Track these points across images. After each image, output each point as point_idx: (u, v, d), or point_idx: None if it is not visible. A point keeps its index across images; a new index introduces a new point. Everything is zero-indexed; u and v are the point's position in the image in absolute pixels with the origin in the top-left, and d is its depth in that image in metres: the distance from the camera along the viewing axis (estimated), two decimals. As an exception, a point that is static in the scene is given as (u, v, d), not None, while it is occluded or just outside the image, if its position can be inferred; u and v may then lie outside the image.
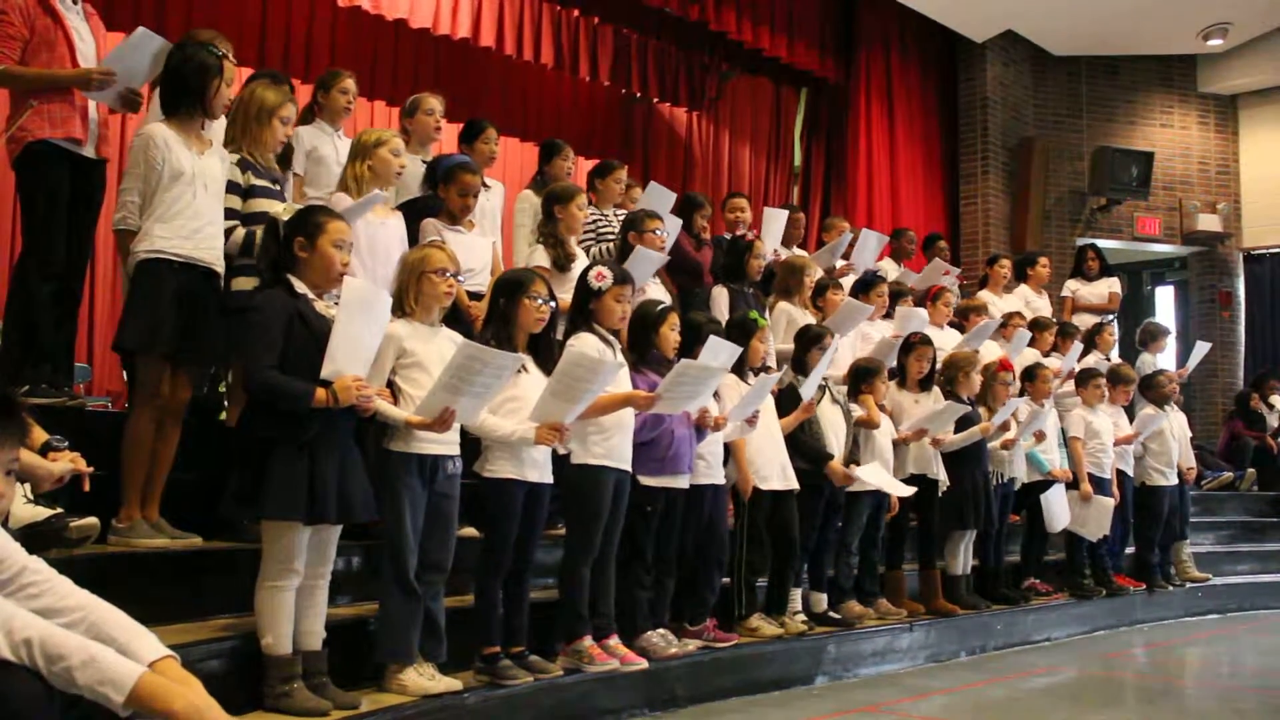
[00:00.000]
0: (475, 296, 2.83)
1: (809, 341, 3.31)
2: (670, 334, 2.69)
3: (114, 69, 2.47)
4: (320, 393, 1.92)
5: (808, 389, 3.14)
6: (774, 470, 3.06)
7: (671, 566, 2.77)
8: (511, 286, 2.37)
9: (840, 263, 4.59)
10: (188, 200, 2.27)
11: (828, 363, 3.20)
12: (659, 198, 3.78)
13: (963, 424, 3.69)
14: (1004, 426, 3.81)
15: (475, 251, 2.91)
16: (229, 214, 2.40)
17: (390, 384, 2.14)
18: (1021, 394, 4.09)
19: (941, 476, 3.66)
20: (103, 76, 2.46)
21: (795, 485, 3.10)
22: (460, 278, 2.34)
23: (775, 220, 4.35)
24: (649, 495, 2.63)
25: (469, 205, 2.88)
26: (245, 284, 2.41)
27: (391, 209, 2.74)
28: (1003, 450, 3.89)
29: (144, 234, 2.26)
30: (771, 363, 3.25)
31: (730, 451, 2.99)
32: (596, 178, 3.72)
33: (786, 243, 4.48)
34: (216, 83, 2.31)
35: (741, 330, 3.09)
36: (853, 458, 3.35)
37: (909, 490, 3.42)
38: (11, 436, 1.28)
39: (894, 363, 3.84)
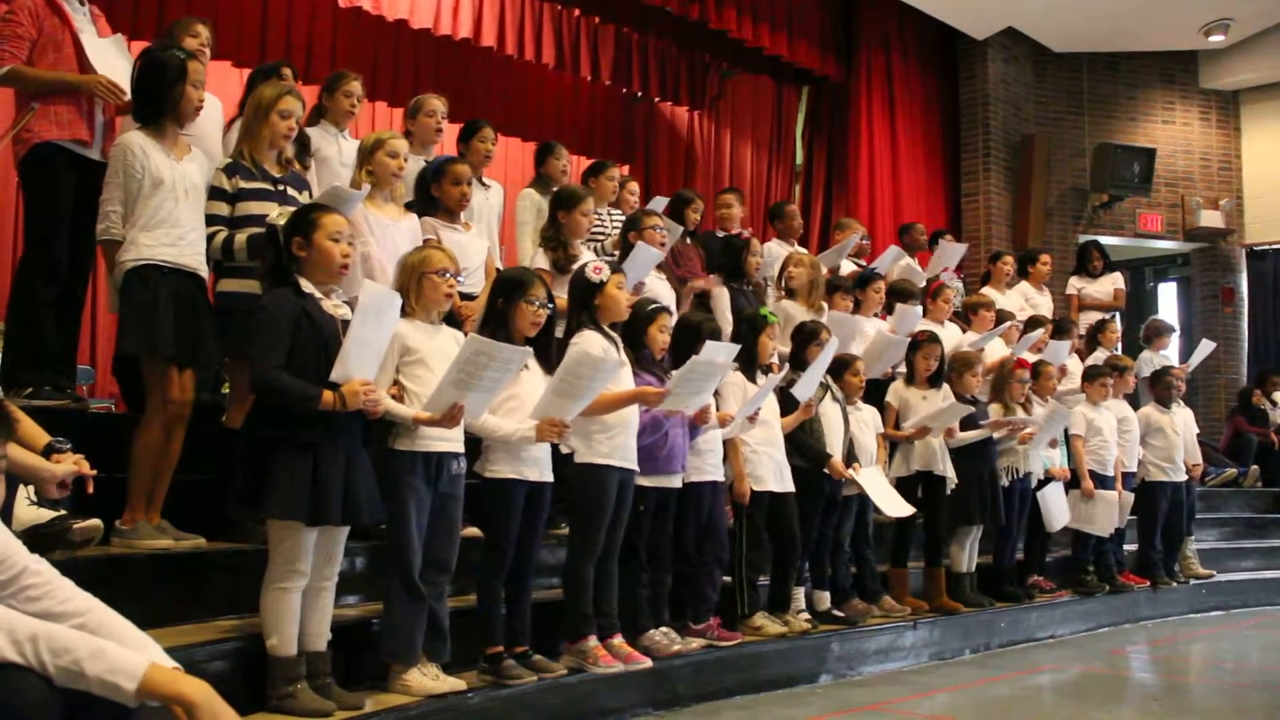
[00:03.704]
0: (468, 297, 2.81)
1: (805, 338, 3.30)
2: (659, 335, 2.67)
3: (115, 81, 2.47)
4: (327, 395, 1.92)
5: (803, 388, 3.13)
6: (770, 471, 3.05)
7: (666, 562, 2.77)
8: (510, 287, 2.36)
9: (850, 266, 4.60)
10: (170, 208, 2.26)
11: (826, 361, 3.18)
12: (654, 207, 3.79)
13: (968, 421, 3.68)
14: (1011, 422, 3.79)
15: (470, 252, 2.89)
16: (214, 220, 2.38)
17: (395, 381, 2.14)
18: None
19: (949, 473, 3.64)
20: (111, 88, 2.46)
21: (791, 487, 3.09)
22: (460, 278, 2.33)
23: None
24: (641, 495, 2.63)
25: (466, 194, 2.85)
26: (232, 285, 2.40)
27: (403, 210, 2.73)
28: (1020, 445, 3.86)
29: (129, 243, 2.25)
30: (774, 361, 3.25)
31: (727, 452, 2.98)
32: (590, 177, 3.73)
33: (785, 237, 4.49)
34: (180, 87, 2.28)
35: (751, 327, 3.08)
36: (852, 457, 3.34)
37: (901, 510, 3.37)
38: None
39: (891, 363, 3.83)
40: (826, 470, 3.22)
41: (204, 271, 2.34)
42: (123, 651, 1.17)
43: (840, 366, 3.44)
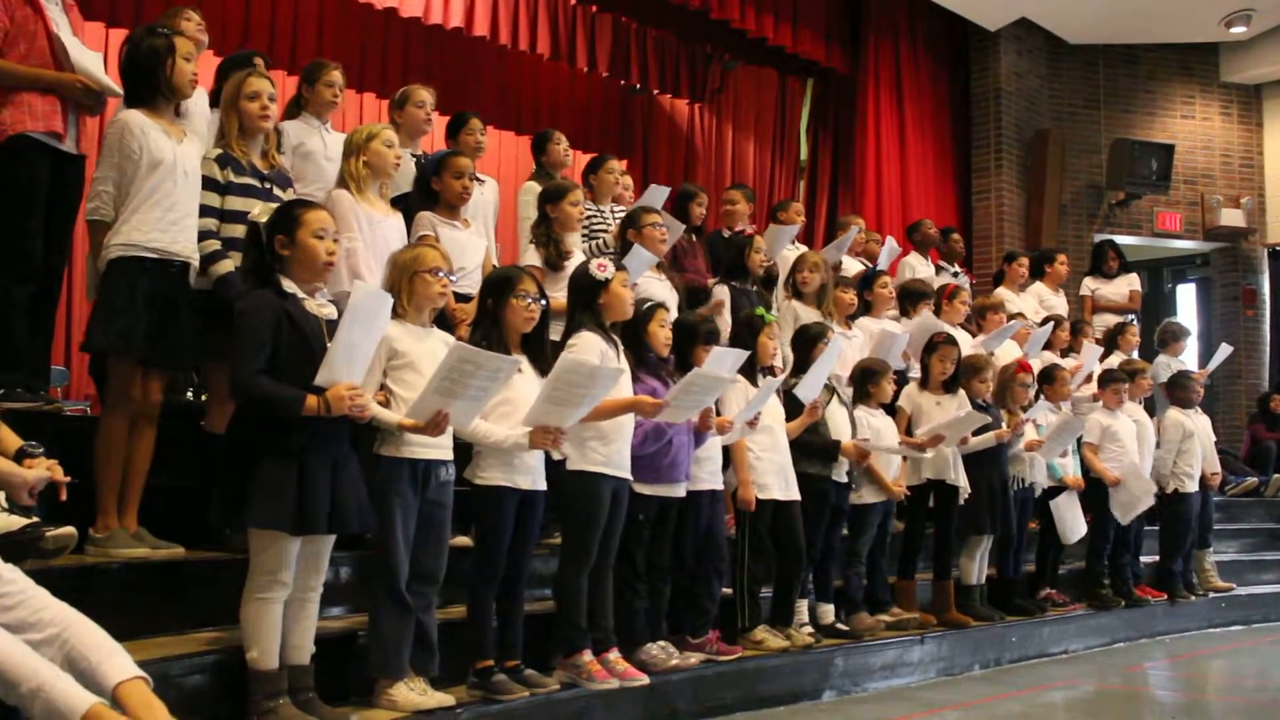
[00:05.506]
0: (467, 298, 2.74)
1: (809, 341, 3.21)
2: (660, 331, 2.60)
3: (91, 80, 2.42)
4: (311, 400, 1.87)
5: (807, 391, 3.03)
6: (775, 479, 2.96)
7: (665, 573, 2.69)
8: (498, 286, 2.30)
9: (858, 265, 4.53)
10: (167, 190, 2.21)
11: (830, 362, 3.08)
12: (656, 197, 3.69)
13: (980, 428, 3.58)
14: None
15: (469, 250, 2.83)
16: (206, 210, 2.33)
17: (381, 386, 2.08)
18: (1039, 396, 3.96)
19: (962, 482, 3.53)
20: (87, 92, 2.42)
21: (797, 496, 3.01)
22: (453, 277, 2.27)
23: (784, 235, 4.26)
24: (643, 504, 2.56)
25: (467, 188, 2.79)
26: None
27: (390, 206, 2.67)
28: (1027, 453, 3.76)
29: (118, 227, 2.20)
30: (779, 363, 3.17)
31: (730, 458, 2.91)
32: (590, 173, 3.65)
33: None
34: (170, 61, 2.26)
35: (749, 328, 3.00)
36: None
37: (926, 452, 3.33)
38: None
39: (900, 364, 3.73)
40: (843, 458, 3.11)
41: (195, 259, 2.28)
42: (62, 693, 1.15)
43: (876, 374, 3.35)
